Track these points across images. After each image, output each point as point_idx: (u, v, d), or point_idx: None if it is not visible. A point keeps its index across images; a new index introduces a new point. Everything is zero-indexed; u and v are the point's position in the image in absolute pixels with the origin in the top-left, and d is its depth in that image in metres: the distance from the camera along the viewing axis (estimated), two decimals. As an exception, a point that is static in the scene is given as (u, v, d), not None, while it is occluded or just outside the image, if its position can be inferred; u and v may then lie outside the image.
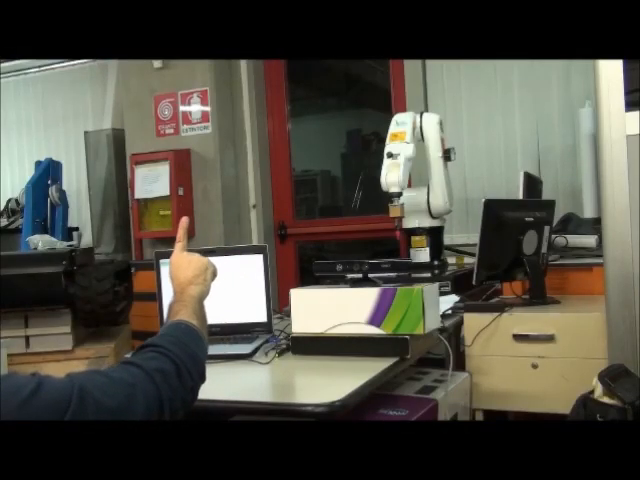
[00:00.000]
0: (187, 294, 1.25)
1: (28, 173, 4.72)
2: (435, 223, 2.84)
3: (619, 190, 1.75)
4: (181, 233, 1.40)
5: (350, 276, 1.92)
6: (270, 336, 2.01)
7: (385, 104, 3.79)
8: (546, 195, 3.04)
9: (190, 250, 1.36)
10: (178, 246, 1.38)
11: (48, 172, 4.41)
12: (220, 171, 3.86)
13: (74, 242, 4.26)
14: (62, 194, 4.42)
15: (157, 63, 3.92)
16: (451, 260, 3.05)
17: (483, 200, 2.24)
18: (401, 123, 2.70)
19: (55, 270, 2.70)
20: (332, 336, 1.80)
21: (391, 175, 2.50)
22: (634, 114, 1.73)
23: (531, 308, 2.22)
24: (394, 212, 2.53)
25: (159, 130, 3.97)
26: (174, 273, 1.31)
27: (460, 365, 2.14)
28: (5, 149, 4.99)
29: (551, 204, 2.54)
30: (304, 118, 4.62)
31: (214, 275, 1.34)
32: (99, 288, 2.75)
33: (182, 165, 3.85)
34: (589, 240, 2.73)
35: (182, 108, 3.91)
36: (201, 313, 1.23)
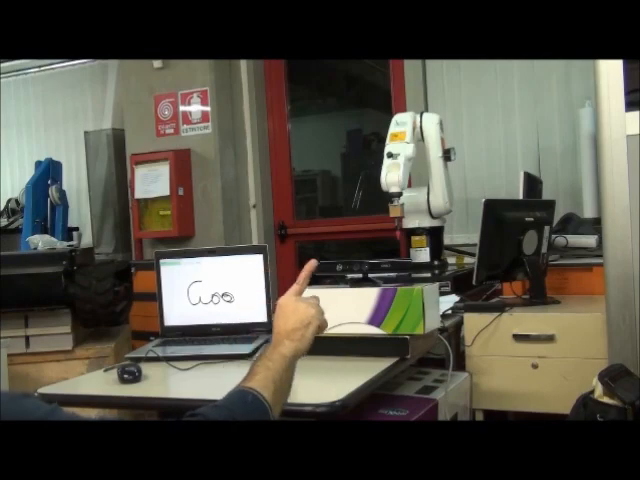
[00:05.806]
0: (278, 352, 1.17)
1: (28, 173, 4.72)
2: (435, 223, 2.84)
3: (619, 190, 1.75)
4: (303, 276, 1.29)
5: (350, 276, 1.92)
6: (270, 336, 1.99)
7: (385, 104, 3.78)
8: (546, 195, 3.04)
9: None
10: (294, 288, 1.27)
11: (48, 172, 4.41)
12: (220, 171, 3.85)
13: (74, 242, 4.25)
14: (62, 194, 4.42)
15: (157, 63, 3.91)
16: (451, 260, 3.05)
17: (483, 200, 2.24)
18: (401, 123, 2.70)
19: (55, 270, 2.70)
20: (332, 336, 1.79)
21: (391, 175, 2.50)
22: (634, 114, 1.73)
23: (531, 308, 2.22)
24: (394, 212, 2.53)
25: (159, 130, 3.97)
26: (276, 318, 1.23)
27: (460, 365, 2.14)
28: (5, 149, 4.99)
29: (551, 204, 2.54)
30: (304, 118, 4.61)
31: (320, 329, 1.24)
32: (99, 288, 2.75)
33: (182, 165, 3.85)
34: (589, 240, 2.73)
35: (182, 108, 3.90)
36: (284, 377, 1.14)
